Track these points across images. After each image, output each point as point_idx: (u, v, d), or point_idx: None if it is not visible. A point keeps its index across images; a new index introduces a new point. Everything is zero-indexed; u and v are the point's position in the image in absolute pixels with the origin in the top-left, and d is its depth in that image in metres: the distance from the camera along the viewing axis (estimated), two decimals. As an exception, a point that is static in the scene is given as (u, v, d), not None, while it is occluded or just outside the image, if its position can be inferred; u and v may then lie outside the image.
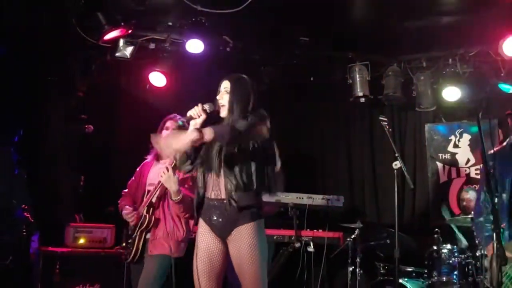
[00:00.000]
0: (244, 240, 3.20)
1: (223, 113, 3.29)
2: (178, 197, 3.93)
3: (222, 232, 3.26)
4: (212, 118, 3.29)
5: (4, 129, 5.41)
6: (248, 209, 3.23)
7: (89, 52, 5.71)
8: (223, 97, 3.31)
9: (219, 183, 3.26)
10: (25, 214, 5.04)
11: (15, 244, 5.06)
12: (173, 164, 3.92)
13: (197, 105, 3.25)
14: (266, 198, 3.57)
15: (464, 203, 5.82)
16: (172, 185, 3.91)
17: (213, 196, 3.27)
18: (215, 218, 3.26)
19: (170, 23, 5.64)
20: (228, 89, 3.30)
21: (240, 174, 3.20)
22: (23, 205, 5.08)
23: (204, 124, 3.22)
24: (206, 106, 3.25)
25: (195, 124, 3.20)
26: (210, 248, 3.27)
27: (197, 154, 3.31)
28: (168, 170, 3.88)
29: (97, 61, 5.88)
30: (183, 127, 3.31)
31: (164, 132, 4.24)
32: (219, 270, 3.28)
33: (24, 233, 5.05)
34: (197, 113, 3.21)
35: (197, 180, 3.34)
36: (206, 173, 3.30)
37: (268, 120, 3.26)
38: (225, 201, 3.22)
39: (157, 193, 4.11)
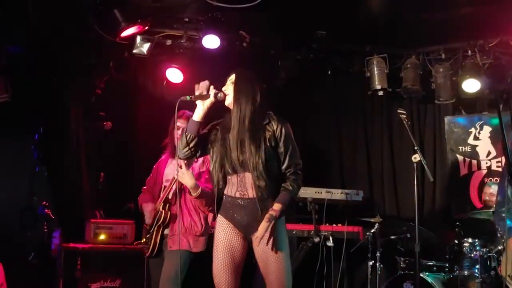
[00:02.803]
0: (270, 237, 3.22)
1: (227, 101, 3.35)
2: (197, 192, 3.94)
3: (247, 230, 3.29)
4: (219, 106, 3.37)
5: (25, 128, 5.48)
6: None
7: (106, 49, 5.75)
8: (228, 88, 3.37)
9: (245, 183, 3.28)
10: (46, 211, 5.11)
11: (37, 240, 5.13)
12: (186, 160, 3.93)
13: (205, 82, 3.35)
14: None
15: (487, 197, 5.73)
16: (188, 181, 3.92)
17: (238, 195, 3.29)
18: (240, 216, 3.28)
19: (186, 19, 5.64)
20: (233, 80, 3.37)
21: (268, 174, 3.22)
22: (44, 202, 5.15)
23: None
24: (218, 93, 3.31)
25: (202, 104, 3.32)
26: (231, 242, 3.29)
27: (199, 143, 3.35)
28: (181, 167, 3.88)
29: (115, 58, 5.92)
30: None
31: (176, 133, 4.26)
32: (239, 264, 3.31)
33: (46, 230, 5.12)
34: (206, 87, 3.30)
35: (214, 178, 3.35)
36: (228, 171, 3.31)
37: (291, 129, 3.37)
38: (252, 200, 3.25)
39: (173, 188, 4.13)
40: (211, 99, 3.30)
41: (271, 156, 3.25)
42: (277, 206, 3.20)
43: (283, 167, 3.29)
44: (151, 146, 5.46)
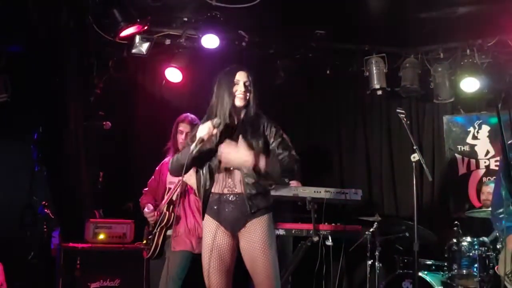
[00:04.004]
0: (257, 233, 3.24)
1: (240, 102, 3.31)
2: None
3: (235, 226, 3.27)
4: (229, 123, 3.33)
5: (24, 127, 5.48)
6: (264, 202, 3.27)
7: (106, 49, 5.75)
8: (243, 89, 3.32)
9: (234, 178, 3.28)
10: (46, 210, 5.11)
11: (37, 240, 5.13)
12: None
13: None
14: (284, 192, 3.56)
15: (485, 196, 5.75)
16: (194, 182, 3.90)
17: (225, 191, 3.28)
18: (228, 211, 3.27)
19: (185, 19, 5.65)
20: (248, 83, 3.34)
21: (257, 171, 3.22)
22: (44, 202, 5.15)
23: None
24: (215, 122, 3.23)
25: (204, 143, 3.20)
26: (219, 244, 3.27)
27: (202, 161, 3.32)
28: None
29: (114, 58, 5.92)
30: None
31: (179, 137, 4.26)
32: (229, 265, 3.30)
33: (45, 229, 5.12)
34: (206, 133, 3.19)
35: (203, 176, 3.34)
36: (216, 169, 3.31)
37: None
38: (240, 196, 3.25)
39: (178, 190, 4.13)
40: (214, 131, 3.23)
41: (261, 154, 3.25)
42: (262, 158, 3.21)
43: (279, 158, 3.28)
44: (150, 146, 5.48)
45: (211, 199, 3.33)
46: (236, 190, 3.27)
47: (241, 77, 3.34)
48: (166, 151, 4.41)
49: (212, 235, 3.28)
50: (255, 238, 3.23)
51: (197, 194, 3.95)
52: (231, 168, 3.27)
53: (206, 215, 3.35)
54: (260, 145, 3.27)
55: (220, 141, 3.27)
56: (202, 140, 3.18)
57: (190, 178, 3.90)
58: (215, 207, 3.31)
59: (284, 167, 3.24)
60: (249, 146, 3.23)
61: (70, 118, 5.86)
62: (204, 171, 3.34)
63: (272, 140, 3.32)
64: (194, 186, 3.93)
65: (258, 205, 3.25)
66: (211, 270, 3.23)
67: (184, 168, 3.21)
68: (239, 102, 3.32)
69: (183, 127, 4.26)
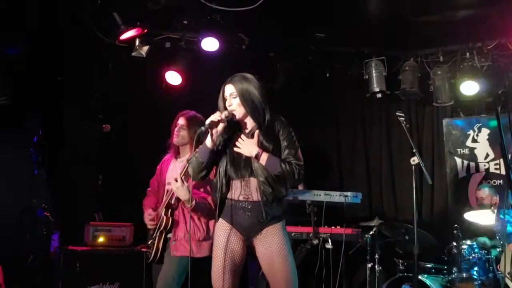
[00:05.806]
0: (274, 239, 3.28)
1: (237, 116, 3.31)
2: (191, 205, 3.90)
3: (250, 233, 3.31)
4: (232, 125, 3.33)
5: (24, 130, 5.48)
6: (279, 210, 3.31)
7: (105, 52, 5.75)
8: (232, 103, 3.30)
9: (250, 187, 3.29)
10: (45, 213, 5.10)
11: (36, 243, 5.13)
12: (183, 172, 3.90)
13: (215, 111, 3.29)
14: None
15: (479, 200, 5.76)
16: (182, 195, 3.85)
17: (241, 198, 3.30)
18: (243, 218, 3.29)
19: (185, 22, 5.65)
20: (235, 94, 3.30)
21: (273, 179, 3.25)
22: (43, 205, 5.15)
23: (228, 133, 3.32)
24: (225, 113, 3.25)
25: (216, 131, 3.24)
26: (232, 246, 3.31)
27: (213, 163, 3.35)
28: (177, 181, 3.84)
29: (114, 60, 5.92)
30: (205, 134, 3.28)
31: (177, 129, 4.25)
32: (239, 267, 3.34)
33: (45, 232, 5.11)
34: (217, 117, 3.22)
35: (218, 183, 3.33)
36: (232, 176, 3.32)
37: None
38: (256, 203, 3.26)
39: (175, 194, 4.10)
40: (223, 123, 3.24)
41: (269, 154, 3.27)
42: (265, 154, 3.23)
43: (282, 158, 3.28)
44: (149, 149, 5.46)
45: (227, 204, 3.34)
46: (252, 198, 3.28)
47: (227, 91, 3.33)
48: (166, 148, 4.39)
49: (226, 237, 3.31)
50: (273, 244, 3.27)
51: (186, 205, 3.94)
52: (247, 176, 3.29)
53: (220, 219, 3.36)
54: (271, 147, 3.27)
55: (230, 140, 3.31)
56: (212, 123, 3.20)
57: (178, 191, 3.87)
58: (230, 212, 3.32)
59: (283, 170, 3.23)
60: (262, 147, 3.25)
61: (70, 121, 5.86)
62: (220, 177, 3.33)
63: (281, 144, 3.32)
64: (183, 198, 3.91)
65: (274, 213, 3.29)
66: (221, 272, 3.26)
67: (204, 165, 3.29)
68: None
69: (181, 120, 4.25)
